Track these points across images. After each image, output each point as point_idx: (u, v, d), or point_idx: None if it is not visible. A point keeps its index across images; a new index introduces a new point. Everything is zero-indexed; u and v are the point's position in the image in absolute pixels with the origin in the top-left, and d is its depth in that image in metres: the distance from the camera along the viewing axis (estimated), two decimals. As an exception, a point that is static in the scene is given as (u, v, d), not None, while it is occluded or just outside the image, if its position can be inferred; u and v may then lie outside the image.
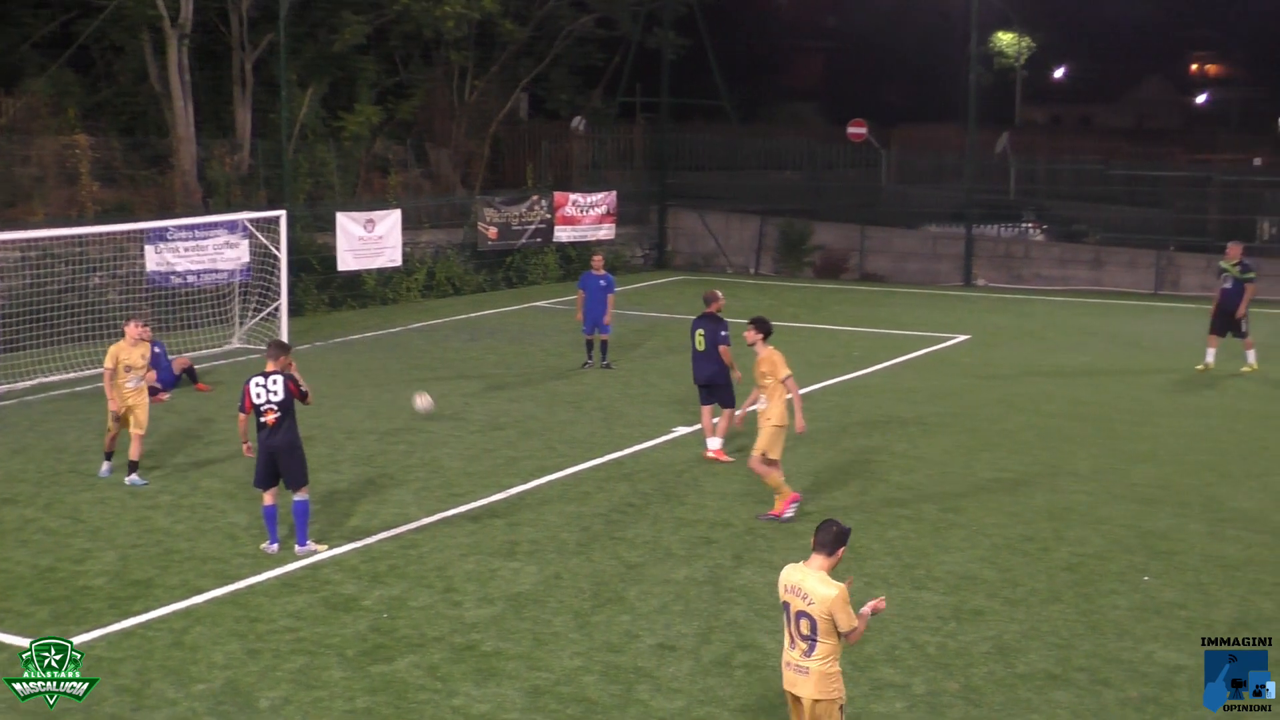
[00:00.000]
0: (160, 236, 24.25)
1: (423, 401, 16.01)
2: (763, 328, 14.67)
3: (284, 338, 25.17)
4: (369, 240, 29.72)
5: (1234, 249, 22.93)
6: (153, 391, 20.32)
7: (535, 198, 34.75)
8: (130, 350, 15.82)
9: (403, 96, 37.50)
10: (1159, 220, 36.00)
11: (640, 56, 41.94)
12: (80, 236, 24.41)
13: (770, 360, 14.42)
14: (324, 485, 15.42)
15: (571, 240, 35.60)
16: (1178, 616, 11.75)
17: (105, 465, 16.24)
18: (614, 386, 21.61)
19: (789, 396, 14.36)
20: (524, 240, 34.54)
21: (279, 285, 25.60)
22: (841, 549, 8.35)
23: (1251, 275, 22.76)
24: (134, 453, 15.83)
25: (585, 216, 35.68)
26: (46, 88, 30.80)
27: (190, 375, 21.44)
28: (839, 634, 8.19)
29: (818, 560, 8.32)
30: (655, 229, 40.09)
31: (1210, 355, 22.95)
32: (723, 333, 17.02)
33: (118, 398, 15.80)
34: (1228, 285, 22.70)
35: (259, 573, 12.76)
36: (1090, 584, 12.56)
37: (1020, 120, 68.05)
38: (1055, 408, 20.18)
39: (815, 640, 8.21)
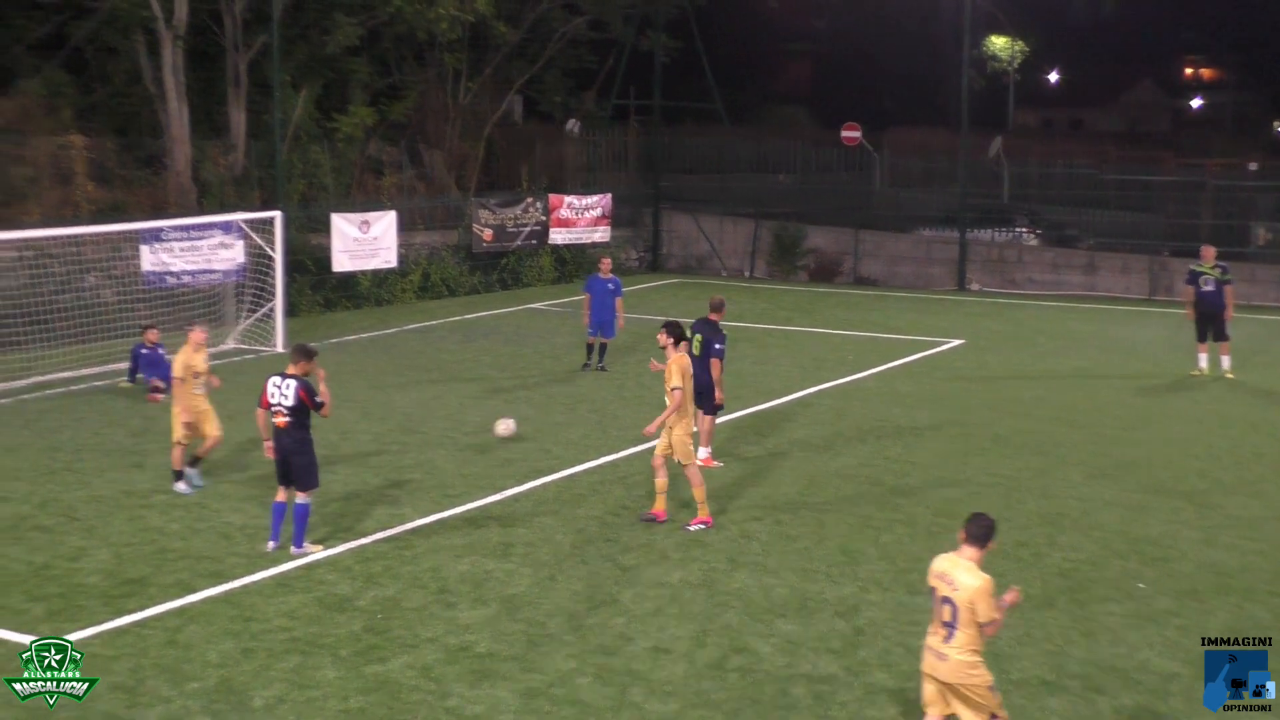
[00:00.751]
0: (155, 237, 24.24)
1: (504, 427, 16.88)
2: (674, 332, 14.27)
3: (279, 339, 25.19)
4: (364, 241, 29.76)
5: (1209, 251, 23.02)
6: (153, 390, 20.40)
7: (530, 200, 34.78)
8: (195, 356, 15.45)
9: (396, 98, 37.53)
10: (1152, 225, 36.08)
11: (633, 59, 41.99)
12: (75, 236, 24.40)
13: (670, 368, 14.03)
14: (319, 486, 15.37)
15: (566, 243, 35.64)
16: (1172, 624, 11.74)
17: (181, 484, 15.40)
18: (608, 389, 21.64)
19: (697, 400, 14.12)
20: (519, 242, 34.58)
21: (274, 286, 25.62)
22: (991, 542, 8.87)
23: (1230, 277, 22.91)
24: (203, 450, 15.66)
25: (580, 219, 35.70)
26: (40, 89, 30.80)
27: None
28: (978, 624, 8.55)
29: (969, 551, 8.78)
30: (649, 232, 40.10)
31: (1203, 360, 23.00)
32: (717, 345, 16.45)
33: (190, 407, 15.30)
34: (1209, 288, 22.75)
35: (253, 572, 12.76)
36: (1084, 590, 12.55)
37: (1013, 124, 68.21)
38: (1048, 412, 20.22)
39: (954, 628, 8.63)
